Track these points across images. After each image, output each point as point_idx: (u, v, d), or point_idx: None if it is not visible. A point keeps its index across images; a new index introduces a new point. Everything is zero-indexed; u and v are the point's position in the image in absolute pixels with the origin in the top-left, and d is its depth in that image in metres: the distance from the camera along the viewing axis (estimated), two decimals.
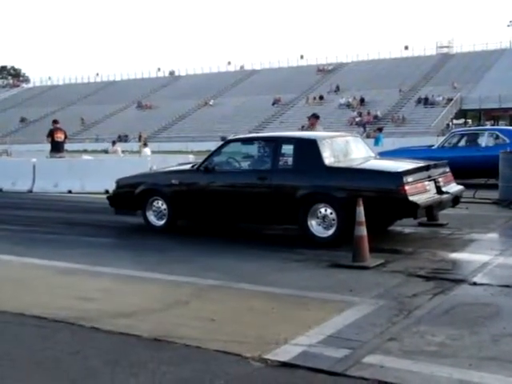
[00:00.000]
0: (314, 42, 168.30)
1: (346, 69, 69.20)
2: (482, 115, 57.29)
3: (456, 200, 8.35)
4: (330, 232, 7.61)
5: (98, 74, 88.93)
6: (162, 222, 9.03)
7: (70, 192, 15.73)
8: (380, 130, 29.30)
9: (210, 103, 66.90)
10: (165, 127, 63.29)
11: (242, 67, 79.88)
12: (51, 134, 17.81)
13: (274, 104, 62.19)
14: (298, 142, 8.33)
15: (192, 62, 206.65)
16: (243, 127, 52.40)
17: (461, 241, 7.85)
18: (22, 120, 73.55)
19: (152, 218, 9.11)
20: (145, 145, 27.84)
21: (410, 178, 7.35)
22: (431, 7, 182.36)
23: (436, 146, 15.56)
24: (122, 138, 54.92)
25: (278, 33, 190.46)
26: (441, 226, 8.74)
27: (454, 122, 55.11)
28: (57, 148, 17.82)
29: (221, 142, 10.22)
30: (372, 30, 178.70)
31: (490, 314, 4.78)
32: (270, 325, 4.63)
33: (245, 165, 8.90)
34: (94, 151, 41.48)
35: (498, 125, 50.37)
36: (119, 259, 7.24)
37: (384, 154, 13.69)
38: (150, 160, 16.42)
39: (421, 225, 8.75)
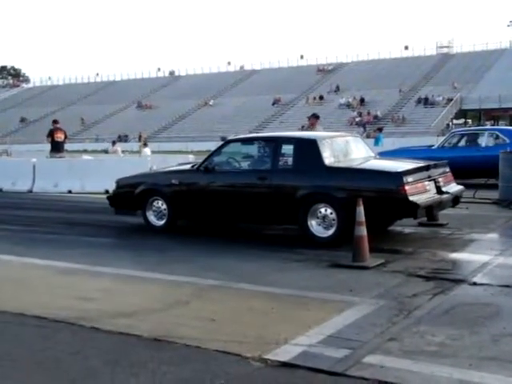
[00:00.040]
0: (314, 42, 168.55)
1: (346, 69, 69.20)
2: (482, 115, 57.29)
3: (456, 200, 8.35)
4: (330, 232, 7.61)
5: (98, 74, 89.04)
6: (162, 222, 9.03)
7: (70, 192, 15.73)
8: (380, 130, 29.29)
9: (210, 103, 66.91)
10: (165, 127, 63.29)
11: (241, 67, 79.90)
12: (51, 134, 17.81)
13: (274, 104, 62.19)
14: (298, 142, 8.33)
15: (192, 62, 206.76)
16: (243, 127, 52.39)
17: (461, 241, 7.85)
18: (22, 120, 73.55)
19: (152, 218, 9.11)
20: (145, 145, 27.85)
21: (410, 178, 7.35)
22: (431, 7, 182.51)
23: (436, 146, 15.56)
24: (122, 138, 54.93)
25: (277, 33, 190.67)
26: (441, 226, 8.74)
27: (454, 122, 55.11)
28: (57, 148, 17.82)
29: (221, 142, 10.22)
30: (372, 30, 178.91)
31: (490, 314, 4.78)
32: (270, 325, 4.63)
33: (245, 165, 8.90)
34: (93, 151, 41.48)
35: (498, 125, 50.36)
36: (119, 259, 7.24)
37: (384, 154, 13.69)
38: (149, 160, 16.42)
39: (421, 225, 8.75)
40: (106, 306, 5.24)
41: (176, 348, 4.18)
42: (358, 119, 53.10)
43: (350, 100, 57.90)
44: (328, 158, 7.94)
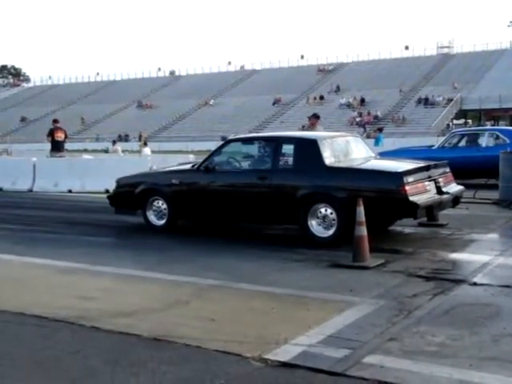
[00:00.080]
0: (315, 42, 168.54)
1: (346, 69, 69.20)
2: (482, 115, 57.28)
3: (456, 200, 8.35)
4: (331, 232, 7.61)
5: (98, 74, 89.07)
6: (162, 222, 9.03)
7: (70, 191, 15.74)
8: (380, 130, 29.34)
9: (211, 103, 66.91)
10: (165, 127, 63.30)
11: (242, 67, 79.89)
12: (51, 133, 17.82)
13: (274, 104, 62.19)
14: (298, 142, 8.32)
15: (192, 62, 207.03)
16: (243, 127, 52.40)
17: (461, 241, 7.85)
18: (23, 119, 73.57)
19: (152, 217, 9.11)
20: (145, 144, 27.88)
21: (410, 178, 7.35)
22: (432, 7, 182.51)
23: (436, 147, 15.56)
24: (123, 138, 54.94)
25: (278, 33, 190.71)
26: (441, 226, 8.74)
27: (455, 122, 55.08)
28: (57, 147, 17.83)
29: (221, 142, 10.21)
30: (372, 30, 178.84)
31: (490, 314, 4.78)
32: (270, 325, 4.63)
33: (245, 165, 8.90)
34: (94, 151, 41.47)
35: (498, 125, 50.33)
36: (119, 259, 7.24)
37: (384, 154, 13.68)
38: (150, 160, 16.42)
39: (421, 225, 8.74)
40: (106, 306, 5.23)
41: (176, 348, 4.17)
42: (358, 119, 53.10)
43: (351, 100, 57.90)
44: (328, 158, 7.94)
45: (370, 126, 49.06)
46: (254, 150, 9.12)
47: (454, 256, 7.04)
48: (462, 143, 15.65)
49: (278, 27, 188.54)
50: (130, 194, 9.32)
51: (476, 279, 5.85)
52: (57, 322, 4.78)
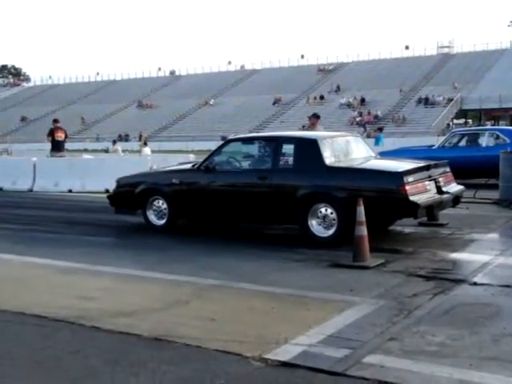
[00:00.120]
0: (315, 42, 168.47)
1: (346, 69, 69.20)
2: (482, 115, 57.27)
3: (456, 200, 8.35)
4: (331, 232, 7.61)
5: (98, 74, 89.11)
6: (162, 222, 9.03)
7: (70, 191, 15.74)
8: (380, 129, 29.32)
9: (211, 103, 66.90)
10: (165, 126, 63.31)
11: (242, 67, 79.91)
12: (52, 133, 17.82)
13: (274, 104, 62.19)
14: (298, 142, 8.32)
15: (192, 62, 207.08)
16: (244, 127, 52.42)
17: (461, 241, 7.85)
18: (23, 119, 73.59)
19: (152, 217, 9.11)
20: (145, 144, 27.87)
21: (410, 178, 7.35)
22: (432, 7, 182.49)
23: (436, 146, 15.55)
24: (123, 138, 54.94)
25: (278, 32, 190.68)
26: (441, 225, 8.74)
27: (455, 121, 55.08)
28: (57, 147, 17.83)
29: (221, 142, 10.20)
30: (373, 30, 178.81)
31: (491, 314, 4.78)
32: (270, 324, 4.63)
33: (245, 164, 8.90)
34: (94, 150, 41.49)
35: (498, 125, 50.33)
36: (119, 258, 7.24)
37: (384, 154, 13.67)
38: (150, 159, 16.42)
39: (421, 225, 8.75)
40: (106, 306, 5.23)
41: (176, 347, 4.17)
42: (358, 119, 53.10)
43: (351, 100, 57.90)
44: (328, 158, 7.94)
45: (370, 126, 49.06)
46: (254, 149, 9.12)
47: (454, 256, 7.04)
48: (462, 143, 15.64)
49: (278, 27, 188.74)
50: (130, 194, 9.32)
51: (476, 279, 5.85)
52: (57, 321, 4.78)
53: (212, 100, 67.48)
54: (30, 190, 16.43)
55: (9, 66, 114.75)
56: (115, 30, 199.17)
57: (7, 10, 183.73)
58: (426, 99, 53.88)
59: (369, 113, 54.06)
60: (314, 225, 7.69)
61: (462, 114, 56.56)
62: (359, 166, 8.17)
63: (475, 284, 5.69)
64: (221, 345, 4.14)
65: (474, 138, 15.66)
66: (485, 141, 14.98)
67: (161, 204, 9.03)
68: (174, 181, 8.92)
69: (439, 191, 7.88)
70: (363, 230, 6.41)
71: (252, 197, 8.26)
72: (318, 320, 4.63)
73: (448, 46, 69.38)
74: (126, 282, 6.11)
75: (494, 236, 8.42)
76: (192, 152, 28.31)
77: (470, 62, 60.38)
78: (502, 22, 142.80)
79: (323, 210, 7.65)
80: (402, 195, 7.19)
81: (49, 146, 18.29)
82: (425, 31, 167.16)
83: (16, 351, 4.20)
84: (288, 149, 8.29)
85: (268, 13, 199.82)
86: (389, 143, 25.73)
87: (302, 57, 77.58)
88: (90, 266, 6.81)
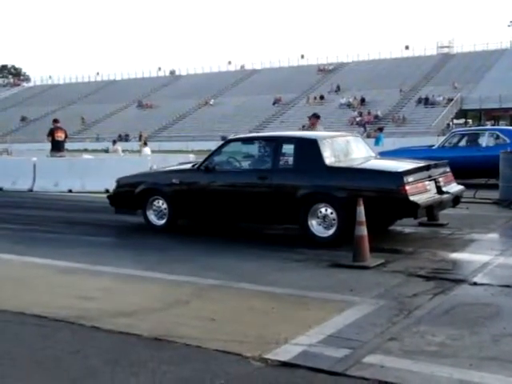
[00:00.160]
0: (315, 42, 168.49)
1: (346, 69, 69.20)
2: (482, 115, 57.27)
3: (456, 200, 8.35)
4: (331, 232, 7.61)
5: (98, 74, 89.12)
6: (162, 222, 9.03)
7: (70, 191, 15.74)
8: (380, 129, 29.32)
9: (211, 103, 66.90)
10: (165, 126, 63.31)
11: (242, 67, 79.92)
12: (52, 133, 17.82)
13: (274, 104, 62.19)
14: (298, 142, 8.32)
15: (192, 62, 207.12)
16: (244, 127, 52.42)
17: (461, 241, 7.85)
18: (23, 119, 73.59)
19: (152, 217, 9.11)
20: (145, 144, 27.87)
21: (410, 178, 7.35)
22: (432, 7, 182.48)
23: (436, 146, 15.55)
24: (123, 138, 54.93)
25: (278, 32, 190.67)
26: (441, 225, 8.74)
27: (455, 121, 55.08)
28: (57, 147, 17.83)
29: (221, 142, 10.20)
30: (373, 30, 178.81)
31: (491, 314, 4.78)
32: (270, 324, 4.63)
33: (245, 164, 8.90)
34: (94, 150, 41.49)
35: (498, 125, 50.34)
36: (119, 258, 7.24)
37: (384, 154, 13.68)
38: (150, 159, 16.43)
39: (421, 225, 8.74)
40: (106, 306, 5.23)
41: (176, 347, 4.17)
42: (358, 119, 53.10)
43: (351, 100, 57.90)
44: (328, 158, 7.94)
45: (371, 126, 49.07)
46: (254, 149, 9.12)
47: (455, 256, 7.04)
48: (463, 143, 15.65)
49: (278, 27, 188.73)
50: (130, 194, 9.32)
51: (476, 279, 5.85)
52: (57, 321, 4.78)
53: (212, 100, 67.48)
54: (30, 190, 16.43)
55: (9, 65, 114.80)
56: (115, 29, 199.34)
57: (7, 9, 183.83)
58: (426, 99, 53.88)
59: (369, 113, 54.06)
60: (314, 225, 7.69)
61: (462, 114, 56.57)
62: (359, 166, 8.17)
63: (475, 284, 5.69)
64: (221, 345, 4.14)
65: (474, 138, 15.66)
66: (485, 141, 14.98)
67: (161, 204, 9.03)
68: (174, 181, 8.92)
69: (439, 191, 7.88)
70: (363, 230, 6.41)
71: (252, 197, 8.25)
72: (317, 320, 4.63)
73: (448, 46, 69.38)
74: (126, 282, 6.11)
75: (493, 236, 8.43)
76: (192, 152, 28.31)
77: (470, 62, 60.38)
78: (502, 22, 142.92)
79: (323, 210, 7.65)
80: (402, 195, 7.19)
81: (49, 145, 18.29)
82: (425, 31, 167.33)
83: (16, 351, 4.20)
84: (288, 149, 8.29)
85: (268, 13, 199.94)
86: (389, 143, 25.73)
87: (302, 57, 77.67)
88: (90, 265, 6.81)
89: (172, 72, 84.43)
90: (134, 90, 74.69)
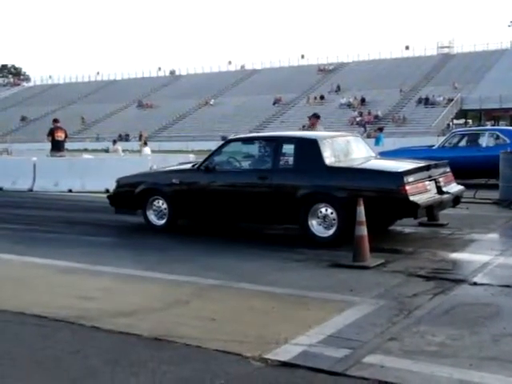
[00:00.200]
0: (315, 42, 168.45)
1: (346, 69, 69.20)
2: (482, 115, 57.27)
3: (456, 200, 8.35)
4: (331, 232, 7.61)
5: (98, 73, 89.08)
6: (162, 222, 9.03)
7: (70, 191, 15.74)
8: (381, 129, 29.34)
9: (211, 103, 66.90)
10: (165, 126, 63.31)
11: (242, 67, 79.92)
12: (52, 132, 17.83)
13: (274, 104, 62.19)
14: (298, 142, 8.32)
15: (193, 62, 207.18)
16: (244, 127, 52.42)
17: (461, 241, 7.85)
18: (23, 119, 73.59)
19: (152, 217, 9.11)
20: (145, 144, 27.86)
21: (410, 178, 7.35)
22: (432, 7, 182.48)
23: (436, 146, 15.56)
24: (124, 137, 54.93)
25: (278, 32, 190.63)
26: (441, 225, 8.74)
27: (455, 122, 55.09)
28: (57, 147, 17.83)
29: (221, 142, 10.20)
30: (373, 30, 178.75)
31: (491, 314, 4.78)
32: (270, 324, 4.63)
33: (245, 164, 8.90)
34: (94, 150, 41.48)
35: (498, 125, 50.34)
36: (119, 258, 7.24)
37: (384, 154, 13.69)
38: (150, 159, 16.42)
39: (421, 225, 8.75)
40: (106, 305, 5.23)
41: (176, 347, 4.18)
42: (358, 119, 53.10)
43: (351, 100, 57.90)
44: (329, 158, 7.94)
45: (371, 126, 49.07)
46: (254, 149, 9.12)
47: (455, 256, 7.04)
48: (463, 143, 15.65)
49: (278, 27, 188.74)
50: (130, 194, 9.32)
51: (476, 279, 5.85)
52: (57, 321, 4.78)
53: (212, 100, 67.48)
54: (30, 190, 16.43)
55: (9, 65, 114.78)
56: (115, 29, 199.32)
57: (7, 9, 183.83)
58: (426, 99, 53.88)
59: (369, 113, 54.06)
60: (314, 225, 7.69)
61: (462, 114, 56.57)
62: (359, 166, 8.17)
63: (475, 284, 5.69)
64: (221, 345, 4.14)
65: (474, 138, 15.67)
66: (485, 141, 14.98)
67: (161, 204, 9.03)
68: (174, 181, 8.92)
69: (439, 191, 7.88)
70: (363, 230, 6.41)
71: (252, 197, 8.26)
72: (318, 320, 4.63)
73: (448, 46, 69.37)
74: (126, 282, 6.11)
75: (494, 236, 8.43)
76: (192, 152, 28.30)
77: (470, 62, 60.38)
78: (502, 22, 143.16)
79: (323, 209, 7.65)
80: (402, 195, 7.19)
81: (49, 145, 18.29)
82: (425, 31, 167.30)
83: (16, 351, 4.20)
84: (288, 149, 8.29)
85: (268, 13, 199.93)
86: (389, 143, 25.73)
87: (302, 57, 77.67)
88: (90, 265, 6.81)
89: (172, 72, 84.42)
90: (134, 90, 74.70)
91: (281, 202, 7.97)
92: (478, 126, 47.04)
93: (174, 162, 11.81)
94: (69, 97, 77.64)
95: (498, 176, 11.66)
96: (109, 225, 10.04)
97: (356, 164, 8.23)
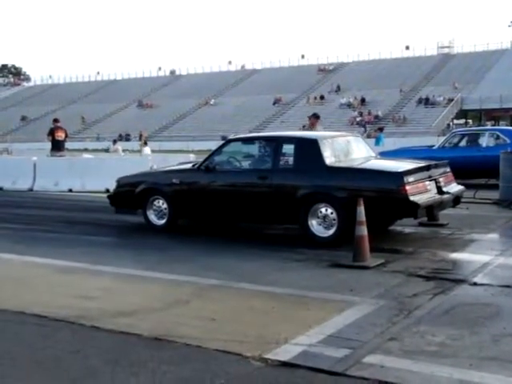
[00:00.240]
0: (315, 42, 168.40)
1: (346, 69, 69.20)
2: (482, 115, 57.27)
3: (456, 200, 8.35)
4: (331, 232, 7.61)
5: (98, 73, 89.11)
6: (162, 222, 9.03)
7: (70, 191, 15.74)
8: (381, 129, 29.36)
9: (211, 102, 66.90)
10: (165, 126, 63.30)
11: (242, 67, 79.93)
12: (52, 132, 17.84)
13: (274, 104, 62.18)
14: (298, 142, 8.32)
15: (193, 62, 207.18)
16: (244, 127, 52.41)
17: (461, 241, 7.85)
18: (23, 118, 73.58)
19: (152, 217, 9.11)
20: (145, 144, 27.86)
21: (410, 178, 7.35)
22: (432, 7, 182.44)
23: (437, 146, 15.56)
24: (124, 137, 54.92)
25: (278, 32, 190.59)
26: (441, 226, 8.74)
27: (455, 122, 55.07)
28: (57, 147, 17.84)
29: (221, 142, 10.20)
30: (373, 30, 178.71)
31: (491, 314, 4.78)
32: (270, 324, 4.63)
33: (245, 164, 8.90)
34: (94, 150, 41.49)
35: (498, 125, 50.33)
36: (120, 258, 7.24)
37: (385, 154, 13.69)
38: (150, 159, 16.42)
39: (421, 225, 8.75)
40: (106, 305, 5.24)
41: (176, 347, 4.18)
42: (358, 119, 53.10)
43: (351, 100, 57.90)
44: (329, 158, 7.94)
45: (371, 126, 49.07)
46: (254, 149, 9.12)
47: (455, 256, 7.04)
48: (463, 143, 15.65)
49: (279, 27, 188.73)
50: (131, 194, 9.32)
51: (476, 279, 5.85)
52: (57, 321, 4.79)
53: (212, 100, 67.48)
54: (30, 190, 16.43)
55: (9, 65, 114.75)
56: (115, 29, 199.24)
57: (7, 9, 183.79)
58: (427, 99, 53.88)
59: (369, 113, 54.06)
60: (314, 225, 7.69)
61: (463, 114, 56.57)
62: (359, 166, 8.17)
63: (475, 284, 5.69)
64: (221, 344, 4.14)
65: (474, 138, 15.67)
66: (485, 141, 14.98)
67: (161, 204, 9.03)
68: (174, 181, 8.92)
69: (439, 191, 7.88)
70: (363, 230, 6.42)
71: (252, 197, 8.26)
72: (318, 320, 4.63)
73: (448, 47, 69.35)
74: (126, 282, 6.11)
75: (494, 236, 8.43)
76: (192, 152, 28.30)
77: (471, 62, 60.38)
78: (502, 22, 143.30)
79: (323, 209, 7.65)
80: (402, 195, 7.19)
81: (49, 145, 18.30)
82: (425, 31, 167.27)
83: (16, 351, 4.20)
84: (288, 149, 8.29)
85: (268, 13, 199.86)
86: (389, 143, 25.73)
87: (303, 57, 77.66)
88: (90, 265, 6.81)
89: (172, 72, 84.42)
90: (135, 90, 74.69)
91: (281, 201, 7.97)
92: (478, 126, 47.02)
93: (174, 162, 11.80)
94: (69, 96, 77.64)
95: (498, 176, 11.66)
96: (109, 224, 10.04)
97: (356, 164, 8.23)
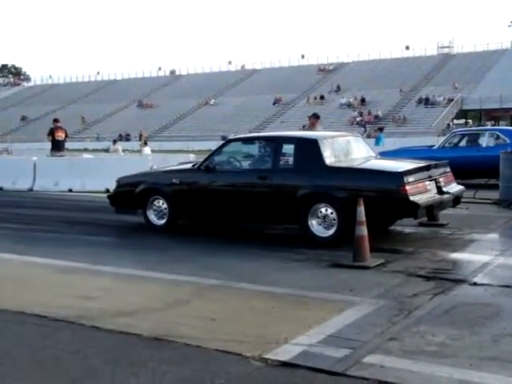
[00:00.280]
0: (315, 42, 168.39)
1: (346, 69, 69.19)
2: (482, 115, 57.27)
3: (457, 200, 8.35)
4: (331, 232, 7.61)
5: (98, 73, 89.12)
6: (162, 222, 9.03)
7: (70, 191, 15.74)
8: (381, 129, 29.36)
9: (211, 102, 66.90)
10: (165, 126, 63.30)
11: (242, 67, 79.93)
12: (52, 132, 17.84)
13: (274, 104, 62.18)
14: (298, 142, 8.32)
15: (193, 62, 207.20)
16: (244, 127, 52.41)
17: (461, 241, 7.85)
18: (23, 118, 73.59)
19: (152, 217, 9.11)
20: (145, 144, 27.86)
21: (410, 178, 7.35)
22: (432, 7, 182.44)
23: (437, 146, 15.56)
24: (124, 137, 54.91)
25: (278, 32, 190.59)
26: (441, 226, 8.74)
27: (455, 122, 55.08)
28: (57, 147, 17.84)
29: (221, 142, 10.20)
30: (373, 30, 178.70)
31: (491, 314, 4.78)
32: (270, 324, 4.63)
33: (245, 164, 8.90)
34: (94, 150, 41.49)
35: (498, 125, 50.33)
36: (120, 258, 7.24)
37: (385, 154, 13.69)
38: (150, 159, 16.42)
39: (421, 225, 8.74)
40: (106, 305, 5.24)
41: (176, 347, 4.18)
42: (358, 119, 53.10)
43: (351, 100, 57.90)
44: (329, 158, 7.94)
45: (371, 126, 49.07)
46: (254, 149, 9.12)
47: (455, 256, 7.04)
48: (463, 143, 15.65)
49: (279, 27, 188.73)
50: (131, 194, 9.32)
51: (476, 279, 5.85)
52: (57, 321, 4.79)
53: (212, 100, 67.48)
54: (30, 190, 16.43)
55: (9, 65, 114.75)
56: (115, 29, 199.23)
57: (7, 9, 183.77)
58: (427, 99, 53.88)
59: (369, 113, 54.06)
60: (314, 225, 7.69)
61: (463, 114, 56.57)
62: (359, 166, 8.17)
63: (475, 284, 5.69)
64: (221, 344, 4.14)
65: (474, 138, 15.67)
66: (485, 141, 14.99)
67: (161, 204, 9.03)
68: (174, 181, 8.92)
69: (439, 191, 7.88)
70: (363, 230, 6.42)
71: (252, 197, 8.26)
72: (318, 320, 4.63)
73: (448, 46, 69.35)
74: (127, 282, 6.11)
75: (494, 236, 8.43)
76: (192, 152, 28.30)
77: (471, 62, 60.38)
78: (502, 22, 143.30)
79: (323, 209, 7.65)
80: (402, 195, 7.19)
81: (49, 145, 18.30)
82: (425, 31, 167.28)
83: (16, 351, 4.20)
84: (288, 149, 8.30)
85: (268, 13, 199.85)
86: (389, 143, 25.74)
87: (303, 57, 77.67)
88: (90, 265, 6.82)
89: (172, 72, 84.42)
90: (135, 90, 74.70)
91: (281, 201, 7.97)
92: (478, 126, 47.03)
93: (174, 162, 11.81)
94: (69, 96, 77.64)
95: (498, 176, 11.66)
96: (109, 224, 10.04)
97: (356, 164, 8.23)
